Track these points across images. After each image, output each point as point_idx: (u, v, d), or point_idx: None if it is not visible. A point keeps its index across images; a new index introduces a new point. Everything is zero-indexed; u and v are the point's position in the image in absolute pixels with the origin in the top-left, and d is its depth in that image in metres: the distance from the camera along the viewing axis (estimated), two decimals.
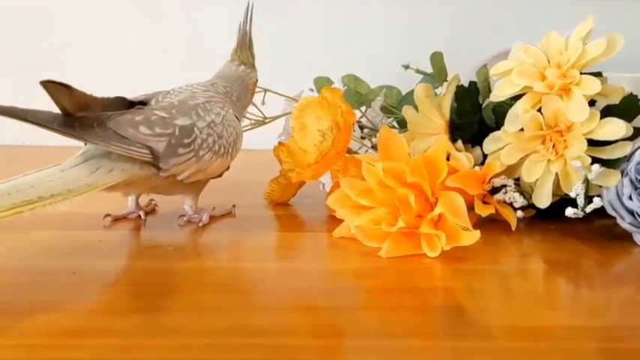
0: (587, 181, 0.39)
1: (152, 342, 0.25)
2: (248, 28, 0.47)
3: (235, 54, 0.48)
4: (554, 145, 0.40)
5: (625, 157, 0.39)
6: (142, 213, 0.44)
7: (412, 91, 0.53)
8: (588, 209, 0.39)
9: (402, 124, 0.53)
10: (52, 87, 0.32)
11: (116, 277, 0.34)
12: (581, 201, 0.39)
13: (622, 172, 0.39)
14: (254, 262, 0.37)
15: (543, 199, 0.41)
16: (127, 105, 0.39)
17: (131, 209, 0.44)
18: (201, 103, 0.41)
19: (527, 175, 0.41)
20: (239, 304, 0.30)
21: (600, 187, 0.40)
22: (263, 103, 0.54)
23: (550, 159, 0.40)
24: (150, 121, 0.37)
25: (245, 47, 0.47)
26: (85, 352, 0.24)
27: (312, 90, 0.61)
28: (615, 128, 0.38)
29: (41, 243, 0.37)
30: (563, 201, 0.41)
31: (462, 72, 0.49)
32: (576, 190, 0.39)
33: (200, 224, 0.42)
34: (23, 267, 0.34)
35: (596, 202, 0.39)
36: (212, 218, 0.44)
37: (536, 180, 0.41)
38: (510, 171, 0.42)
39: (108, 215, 0.43)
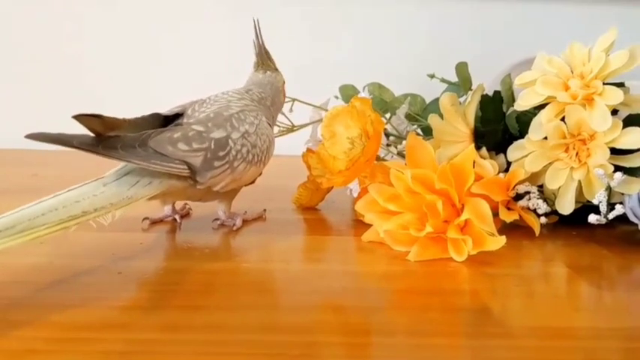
0: (609, 189, 0.40)
1: (190, 336, 0.27)
2: (261, 41, 0.48)
3: (258, 65, 0.49)
4: (577, 154, 0.41)
5: None
6: (177, 217, 0.46)
7: (436, 100, 0.55)
8: (611, 216, 0.40)
9: (427, 132, 0.54)
10: (84, 119, 0.34)
11: (157, 276, 0.36)
12: (603, 208, 0.40)
13: None
14: (284, 264, 0.38)
15: (566, 206, 0.42)
16: (162, 120, 0.41)
17: (167, 213, 0.46)
18: (235, 113, 0.42)
19: (551, 183, 0.42)
20: (270, 302, 0.32)
21: (622, 194, 0.41)
22: (291, 110, 0.55)
23: (573, 167, 0.41)
24: (187, 137, 0.38)
25: (264, 58, 0.49)
26: (130, 344, 0.26)
27: (337, 97, 0.62)
28: (637, 137, 0.39)
29: (84, 243, 0.39)
30: (585, 207, 0.42)
31: (484, 80, 0.51)
32: (599, 198, 0.40)
33: (234, 228, 0.44)
34: (70, 266, 0.36)
35: (619, 209, 0.40)
36: (244, 222, 0.46)
37: (560, 187, 0.42)
38: (534, 178, 0.43)
39: (146, 218, 0.45)
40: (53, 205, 0.33)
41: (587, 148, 0.40)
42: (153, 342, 0.27)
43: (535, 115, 0.43)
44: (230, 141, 0.40)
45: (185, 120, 0.41)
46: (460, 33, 0.82)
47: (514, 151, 0.44)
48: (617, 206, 0.40)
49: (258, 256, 0.40)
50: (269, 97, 0.48)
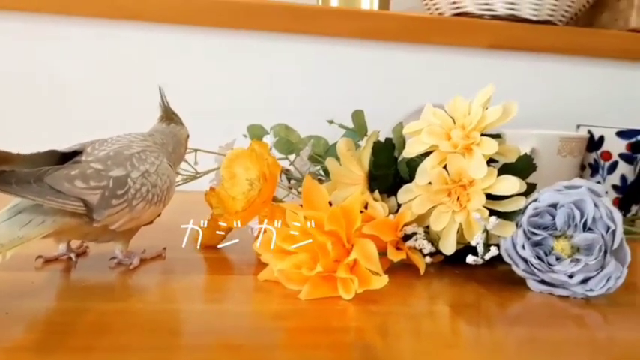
0: (486, 232, 0.43)
1: None
2: (166, 103, 0.50)
3: (162, 119, 0.51)
4: (458, 198, 0.44)
5: (519, 210, 0.44)
6: (72, 255, 0.45)
7: (337, 143, 0.58)
8: (487, 257, 0.43)
9: (328, 173, 0.57)
10: None
11: (47, 317, 0.35)
12: (480, 249, 0.43)
13: (517, 224, 0.44)
14: (182, 304, 0.39)
15: (449, 246, 0.45)
16: (59, 157, 0.41)
17: (62, 251, 0.45)
18: (136, 153, 0.43)
19: (435, 224, 0.45)
20: (165, 342, 0.32)
21: (499, 236, 0.45)
22: (196, 163, 0.57)
23: (455, 210, 0.44)
24: (85, 174, 0.39)
25: (170, 114, 0.51)
26: None
27: (245, 136, 0.64)
28: (510, 185, 0.43)
29: None
30: (467, 248, 0.45)
31: (383, 128, 0.54)
32: (476, 240, 0.43)
33: (131, 267, 0.44)
34: None
35: (493, 251, 0.43)
36: (142, 260, 0.46)
37: (443, 229, 0.45)
38: (421, 220, 0.46)
39: (40, 257, 0.44)
40: None
41: (467, 194, 0.44)
42: None
43: (423, 161, 0.46)
44: (129, 180, 0.41)
45: (84, 158, 0.41)
46: (367, 80, 0.86)
47: (403, 194, 0.48)
48: (493, 248, 0.43)
49: (156, 296, 0.41)
50: (170, 145, 0.49)
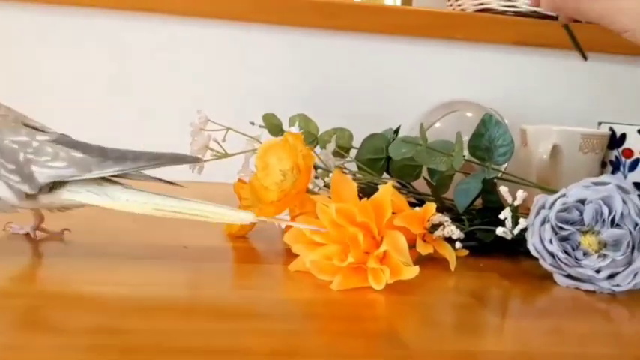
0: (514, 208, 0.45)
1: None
2: None
3: None
4: None
5: None
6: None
7: (372, 135, 0.59)
8: (516, 231, 0.45)
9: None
10: None
11: None
12: (508, 224, 0.46)
13: (544, 219, 0.45)
14: (212, 290, 0.40)
15: None
16: None
17: None
18: None
19: None
20: (200, 327, 0.33)
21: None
22: (224, 140, 0.58)
23: None
24: None
25: None
26: None
27: (261, 126, 0.64)
28: None
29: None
30: (492, 242, 0.46)
31: (405, 123, 0.54)
32: (504, 214, 0.45)
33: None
34: None
35: (523, 223, 0.45)
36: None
37: None
38: None
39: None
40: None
41: None
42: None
43: None
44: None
45: None
46: (390, 75, 0.86)
47: None
48: (521, 220, 0.45)
49: (185, 283, 0.42)
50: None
